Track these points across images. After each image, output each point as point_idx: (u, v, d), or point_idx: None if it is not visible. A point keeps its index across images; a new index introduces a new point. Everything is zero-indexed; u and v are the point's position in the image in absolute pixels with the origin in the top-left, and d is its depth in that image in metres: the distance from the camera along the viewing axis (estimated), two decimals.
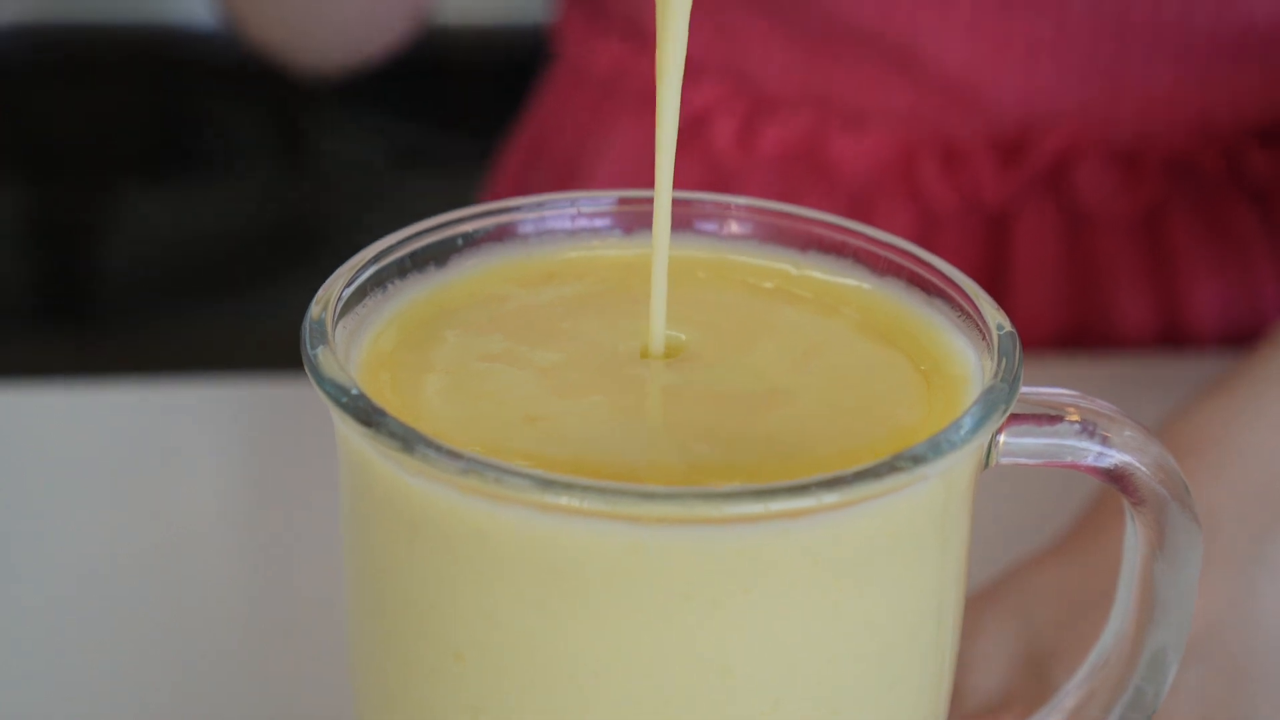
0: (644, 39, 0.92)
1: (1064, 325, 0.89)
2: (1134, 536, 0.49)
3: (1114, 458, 0.47)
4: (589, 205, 0.52)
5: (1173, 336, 0.89)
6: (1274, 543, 0.61)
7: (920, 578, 0.45)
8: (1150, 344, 0.89)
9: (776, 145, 0.88)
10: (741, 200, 0.52)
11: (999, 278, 0.88)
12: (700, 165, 0.89)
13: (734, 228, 0.52)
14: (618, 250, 0.52)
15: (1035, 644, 0.59)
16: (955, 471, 0.45)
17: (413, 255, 0.50)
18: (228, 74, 1.76)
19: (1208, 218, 0.88)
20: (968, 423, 0.44)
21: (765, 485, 0.41)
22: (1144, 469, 0.47)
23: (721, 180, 0.89)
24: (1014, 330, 0.47)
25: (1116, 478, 0.47)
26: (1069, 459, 0.47)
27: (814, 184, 0.88)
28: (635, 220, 0.52)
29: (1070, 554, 0.61)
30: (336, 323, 0.47)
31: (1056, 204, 0.87)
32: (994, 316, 0.47)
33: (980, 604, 0.60)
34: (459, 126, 1.77)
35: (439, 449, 0.42)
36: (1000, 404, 0.44)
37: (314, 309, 0.46)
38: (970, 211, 0.87)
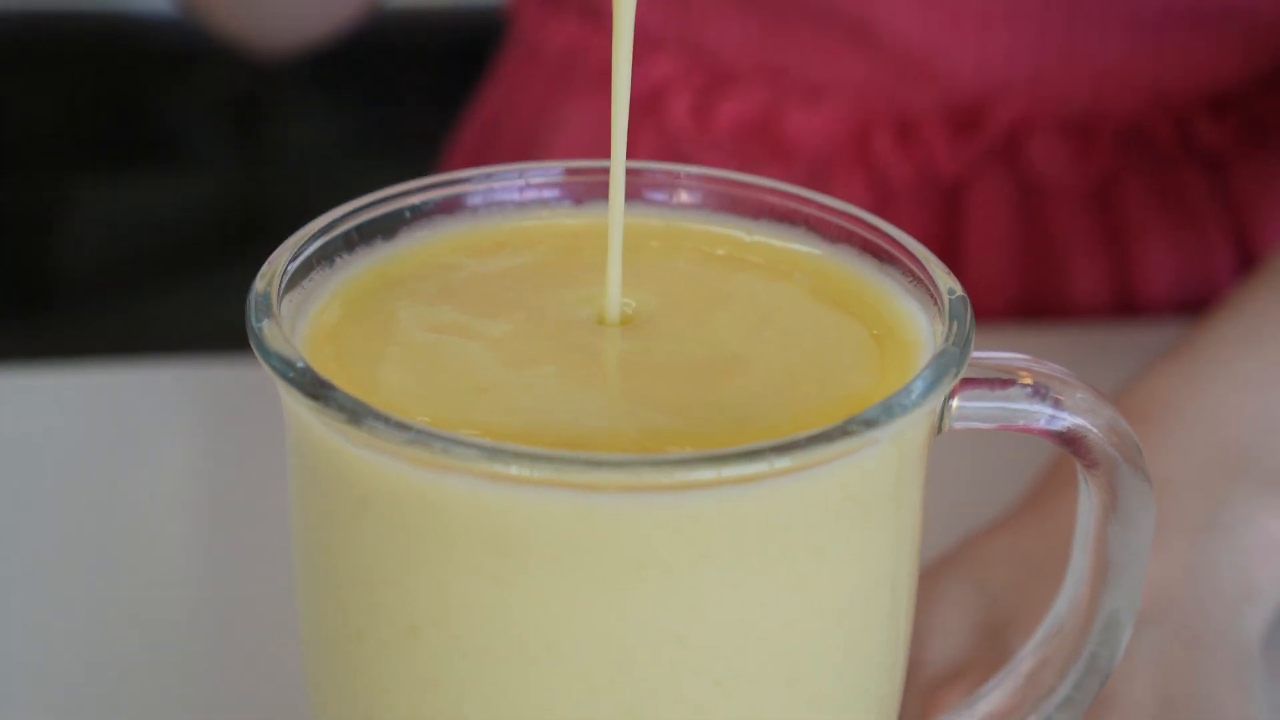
0: (599, 17, 0.91)
1: (1018, 295, 0.89)
2: (1087, 499, 0.49)
3: (1066, 420, 0.47)
4: (538, 176, 0.52)
5: (1126, 305, 0.89)
6: (1228, 507, 0.61)
7: (874, 543, 0.44)
8: (1104, 313, 0.89)
9: (732, 119, 0.88)
10: (693, 169, 0.52)
11: (953, 249, 0.88)
12: (656, 139, 0.89)
13: (685, 196, 0.52)
14: (569, 220, 0.52)
15: (992, 612, 0.59)
16: (907, 435, 0.44)
17: (359, 228, 0.50)
18: (181, 59, 1.75)
19: (1160, 187, 0.88)
20: (919, 386, 0.43)
21: (716, 451, 0.41)
22: (1096, 431, 0.47)
23: (677, 154, 0.89)
24: (965, 295, 0.47)
25: (1069, 440, 0.47)
26: (1021, 422, 0.47)
27: (770, 158, 0.88)
28: (586, 190, 0.52)
29: (1025, 521, 0.61)
30: (282, 297, 0.46)
31: (1010, 175, 0.87)
32: (945, 281, 0.47)
33: (936, 573, 0.60)
34: (414, 108, 1.77)
35: (386, 420, 0.41)
36: (952, 367, 0.44)
37: (258, 283, 0.46)
38: (925, 184, 0.87)
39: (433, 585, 0.42)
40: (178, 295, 1.73)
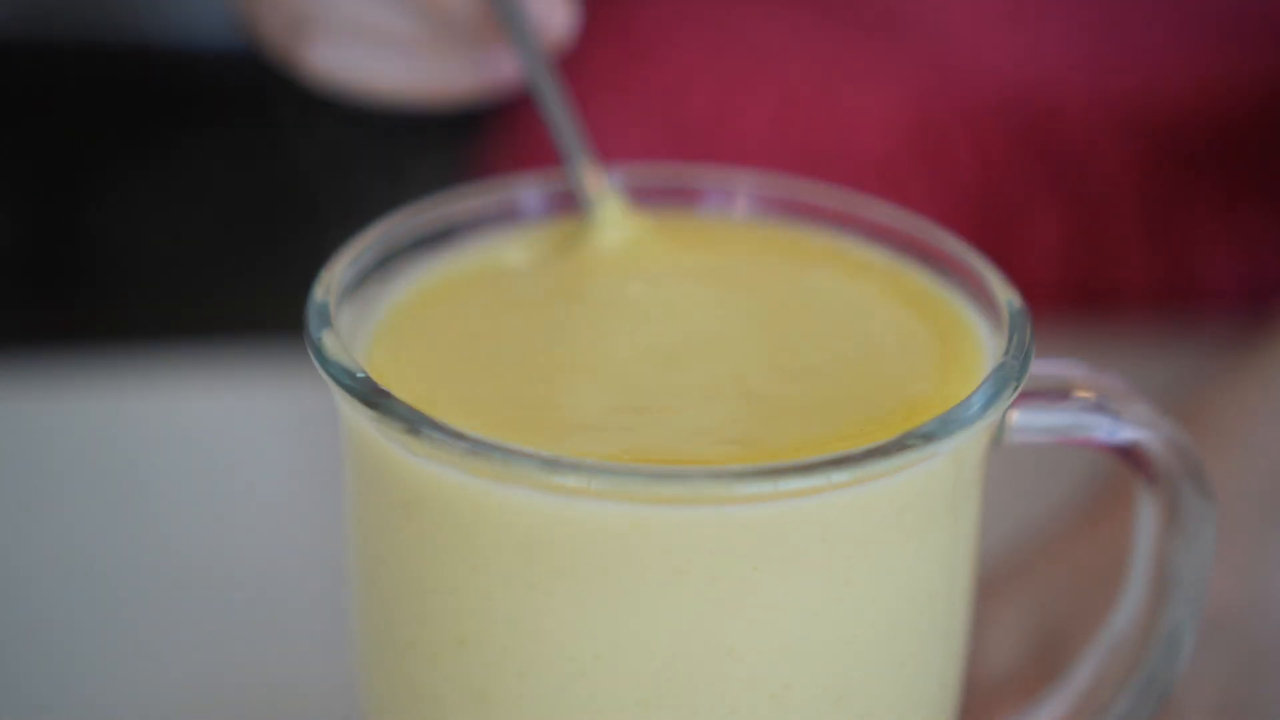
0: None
1: (1069, 283, 0.88)
2: (1146, 514, 0.48)
3: (1126, 434, 0.46)
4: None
5: (1181, 295, 0.88)
6: None
7: (930, 557, 0.44)
8: (1158, 303, 0.88)
9: (775, 114, 0.87)
10: (758, 176, 0.52)
11: (1004, 232, 0.87)
12: (677, 133, 0.87)
13: (746, 200, 0.52)
14: (626, 219, 0.51)
15: (1047, 628, 0.59)
16: (965, 449, 0.44)
17: (417, 234, 0.49)
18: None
19: (1214, 175, 0.87)
20: (978, 400, 0.43)
21: (774, 464, 0.40)
22: (1156, 445, 0.46)
23: (702, 144, 0.88)
24: (1025, 307, 0.46)
25: (1128, 454, 0.47)
26: (1080, 436, 0.47)
27: (816, 157, 0.87)
28: (644, 193, 0.52)
29: (1080, 537, 0.61)
30: (340, 304, 0.46)
31: (1060, 165, 0.86)
32: (1004, 293, 0.47)
33: (992, 589, 0.59)
34: None
35: (445, 430, 0.41)
36: (1011, 381, 0.44)
37: (317, 291, 0.46)
38: (977, 178, 0.86)
39: (482, 594, 0.42)
40: (219, 282, 1.73)
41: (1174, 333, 0.81)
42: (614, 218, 0.51)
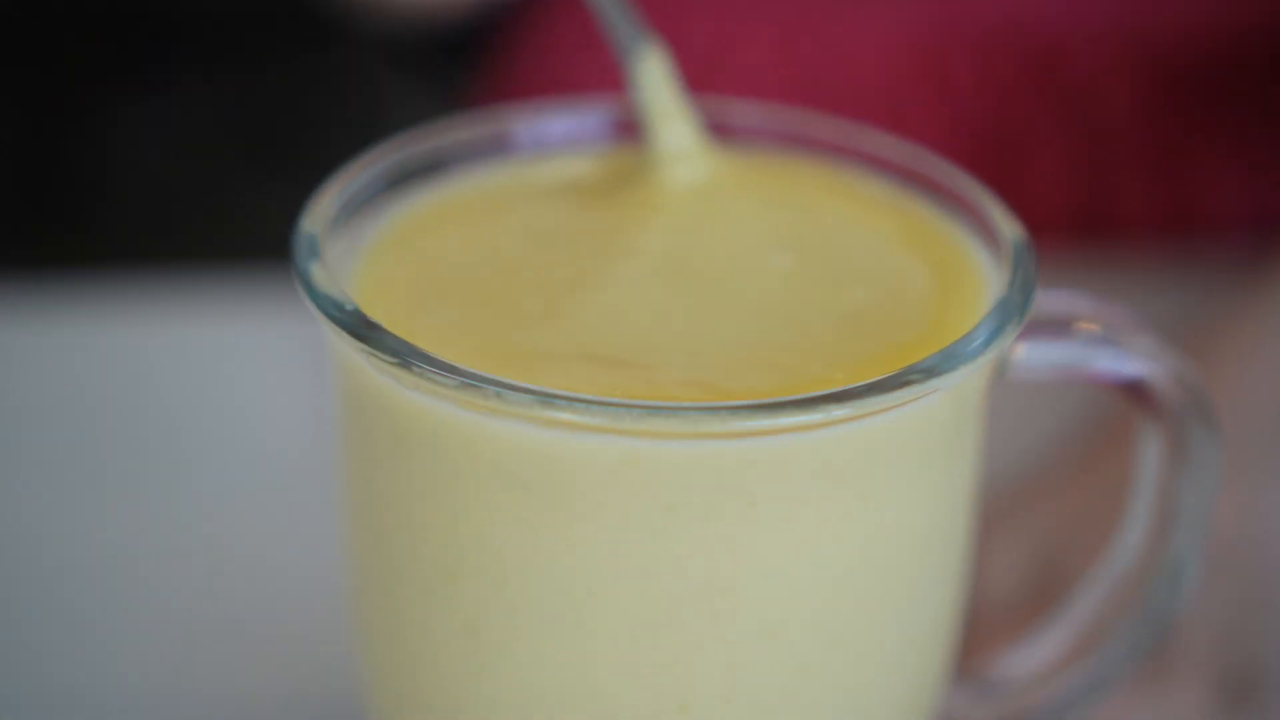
0: None
1: (1072, 207, 0.87)
2: (1150, 448, 0.47)
3: (1131, 368, 0.46)
4: (586, 112, 0.51)
5: (1183, 221, 0.87)
6: None
7: (930, 492, 0.43)
8: (1159, 229, 0.87)
9: (776, 42, 0.86)
10: (758, 108, 0.51)
11: (1006, 159, 0.86)
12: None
13: (745, 130, 0.51)
14: (618, 154, 0.50)
15: (1050, 561, 0.58)
16: (967, 385, 0.43)
17: (406, 166, 0.49)
18: None
19: (1218, 100, 0.86)
20: (980, 335, 0.42)
21: (772, 400, 0.40)
22: (1162, 380, 0.46)
23: (704, 68, 0.86)
24: (1028, 240, 0.45)
25: (1133, 389, 0.46)
26: (1085, 370, 0.46)
27: (818, 85, 0.86)
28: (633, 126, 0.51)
29: (1086, 469, 0.60)
30: (330, 234, 0.45)
31: (1061, 95, 0.85)
32: (1007, 227, 0.46)
33: (994, 521, 0.59)
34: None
35: (437, 364, 0.40)
36: (1014, 315, 0.43)
37: (305, 223, 0.45)
38: (979, 114, 0.85)
39: (475, 528, 0.42)
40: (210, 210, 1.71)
41: (1178, 262, 0.80)
42: (683, 147, 0.49)
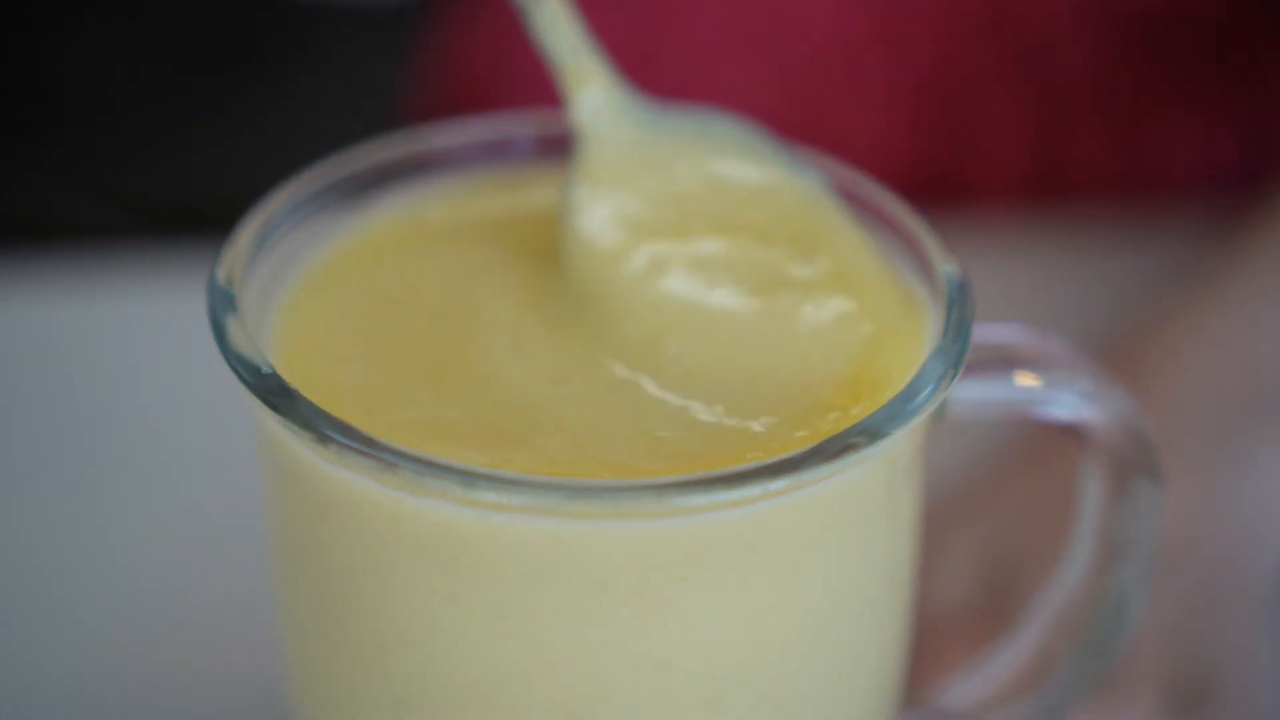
0: None
1: (1025, 169, 0.85)
2: (1091, 485, 0.46)
3: (1071, 413, 0.45)
4: (512, 128, 0.49)
5: (1135, 180, 0.86)
6: (1247, 442, 0.59)
7: (869, 552, 0.42)
8: (1112, 189, 0.86)
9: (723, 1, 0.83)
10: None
11: (958, 117, 0.85)
12: (630, 23, 0.84)
13: None
14: (545, 174, 0.49)
15: (999, 563, 0.57)
16: (905, 439, 0.42)
17: (327, 194, 0.47)
18: None
19: (1170, 61, 0.84)
20: (923, 386, 0.41)
21: (707, 475, 0.38)
22: (1102, 424, 0.45)
23: (657, 28, 0.84)
24: (966, 278, 0.44)
25: (1073, 431, 0.45)
26: (1022, 411, 0.45)
27: (771, 36, 0.84)
28: (560, 144, 0.49)
29: (1031, 467, 0.59)
30: (246, 277, 0.44)
31: (1016, 50, 0.84)
32: (943, 263, 0.44)
33: (941, 522, 0.58)
34: None
35: (354, 439, 0.39)
36: (955, 362, 0.42)
37: (219, 273, 0.43)
38: (934, 67, 0.83)
39: (401, 606, 0.40)
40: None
41: (1133, 221, 0.79)
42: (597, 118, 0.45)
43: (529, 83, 0.87)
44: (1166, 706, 0.54)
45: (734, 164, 0.45)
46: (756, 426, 0.41)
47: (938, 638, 0.55)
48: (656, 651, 0.40)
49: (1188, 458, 0.58)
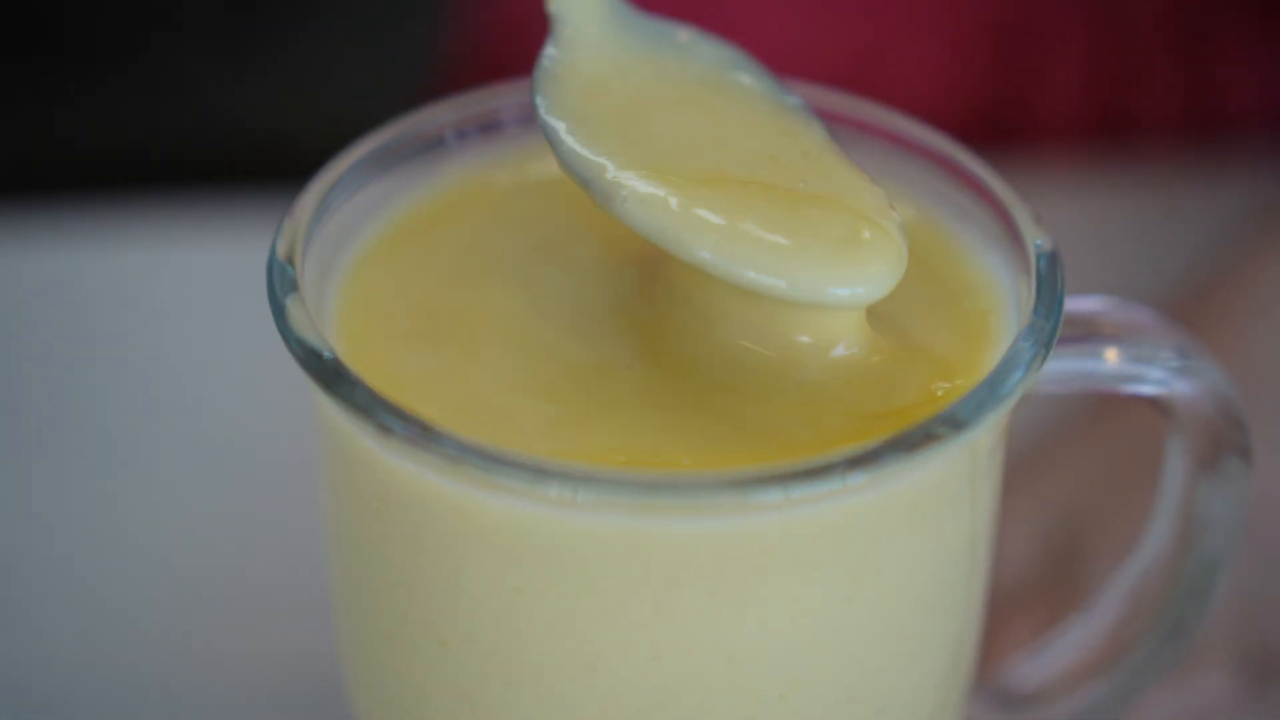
0: None
1: (1090, 107, 0.83)
2: (1176, 459, 0.45)
3: (1157, 388, 0.43)
4: None
5: (1207, 117, 0.84)
6: None
7: (953, 536, 0.41)
8: (1181, 126, 0.83)
9: None
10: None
11: (1022, 54, 0.82)
12: None
13: None
14: None
15: (1061, 532, 0.56)
16: (993, 423, 0.40)
17: (386, 158, 0.45)
18: None
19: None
20: (1012, 372, 0.39)
21: (785, 468, 0.37)
22: (1190, 401, 0.43)
23: None
24: (1056, 251, 0.42)
25: (1160, 407, 0.43)
26: (1108, 387, 0.43)
27: None
28: None
29: (1096, 431, 0.58)
30: (305, 255, 0.42)
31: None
32: (1034, 236, 0.42)
33: (1008, 490, 0.56)
34: None
35: (420, 432, 0.37)
36: (1041, 347, 0.40)
37: (280, 246, 0.41)
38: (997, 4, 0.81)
39: (462, 599, 0.39)
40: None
41: (1201, 160, 0.77)
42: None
43: None
44: (1240, 680, 0.53)
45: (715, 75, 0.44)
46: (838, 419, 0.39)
47: (1001, 610, 0.54)
48: (730, 645, 0.39)
49: (1262, 425, 0.56)
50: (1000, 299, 0.43)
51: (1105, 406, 0.58)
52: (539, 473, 0.37)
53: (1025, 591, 0.55)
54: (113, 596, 0.57)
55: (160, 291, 0.69)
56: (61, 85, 1.61)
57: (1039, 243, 0.42)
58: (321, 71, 1.58)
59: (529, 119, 0.46)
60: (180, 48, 1.63)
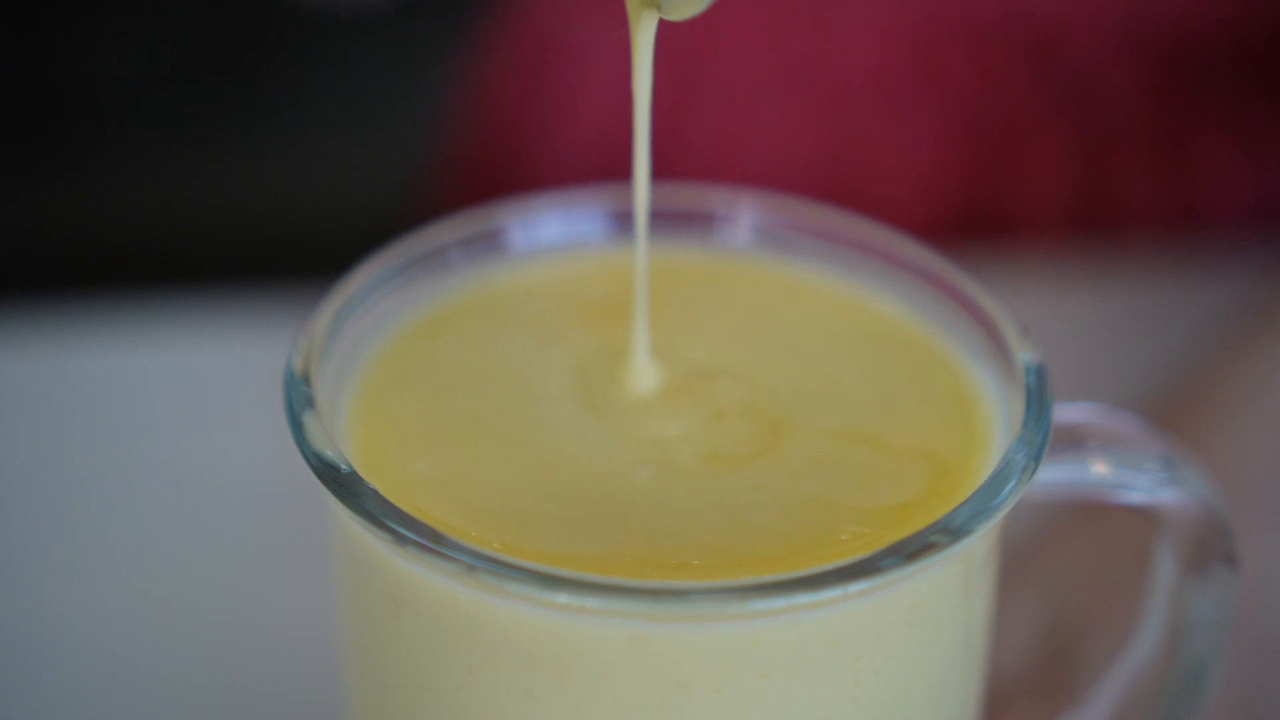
0: None
1: (1070, 202, 0.85)
2: (1164, 564, 0.46)
3: (1144, 496, 0.44)
4: (579, 208, 0.49)
5: (1186, 213, 0.86)
6: None
7: (950, 638, 0.42)
8: (1162, 220, 0.85)
9: (767, 27, 0.83)
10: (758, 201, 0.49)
11: (1001, 147, 0.84)
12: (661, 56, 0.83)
13: (721, 227, 0.49)
14: (617, 254, 0.49)
15: (1058, 624, 0.57)
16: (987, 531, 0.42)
17: (395, 273, 0.47)
18: None
19: (1217, 93, 0.84)
20: (1005, 481, 0.41)
21: (786, 577, 0.38)
22: (1176, 509, 0.44)
23: (698, 66, 0.84)
24: (1044, 365, 0.44)
25: (1146, 515, 0.45)
26: (1096, 496, 0.45)
27: (811, 72, 0.83)
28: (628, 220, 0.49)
29: (1092, 522, 0.59)
30: (321, 370, 0.44)
31: (1060, 83, 0.83)
32: (1021, 350, 0.44)
33: (1002, 585, 0.57)
34: None
35: (434, 542, 0.39)
36: (1034, 457, 0.42)
37: (295, 363, 0.43)
38: (976, 102, 0.83)
39: (474, 701, 0.40)
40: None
41: (1182, 257, 0.79)
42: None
43: (564, 116, 0.87)
44: None
45: None
46: (840, 528, 0.41)
47: (997, 705, 0.55)
48: None
49: (1251, 518, 0.57)
50: (991, 408, 0.45)
51: (1098, 507, 0.60)
52: (548, 581, 0.38)
53: (1021, 686, 0.56)
54: (119, 704, 0.58)
55: (164, 394, 0.70)
56: (36, 176, 1.63)
57: (1026, 358, 0.44)
58: (311, 167, 1.60)
59: (530, 234, 0.48)
60: (164, 139, 1.65)
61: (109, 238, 1.52)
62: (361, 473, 0.41)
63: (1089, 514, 0.60)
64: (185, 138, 1.65)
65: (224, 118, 1.67)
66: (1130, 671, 0.48)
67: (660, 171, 0.49)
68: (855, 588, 0.38)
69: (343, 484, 0.40)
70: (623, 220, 0.49)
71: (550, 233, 0.48)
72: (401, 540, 0.39)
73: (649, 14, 0.43)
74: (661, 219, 0.49)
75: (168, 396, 0.69)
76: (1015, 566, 0.58)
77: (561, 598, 0.38)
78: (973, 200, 0.83)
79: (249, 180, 1.59)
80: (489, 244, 0.48)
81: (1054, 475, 0.44)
